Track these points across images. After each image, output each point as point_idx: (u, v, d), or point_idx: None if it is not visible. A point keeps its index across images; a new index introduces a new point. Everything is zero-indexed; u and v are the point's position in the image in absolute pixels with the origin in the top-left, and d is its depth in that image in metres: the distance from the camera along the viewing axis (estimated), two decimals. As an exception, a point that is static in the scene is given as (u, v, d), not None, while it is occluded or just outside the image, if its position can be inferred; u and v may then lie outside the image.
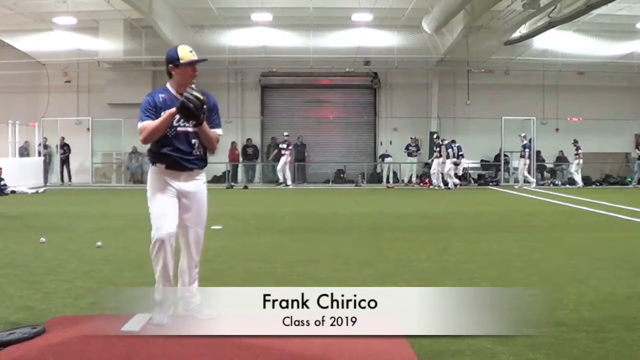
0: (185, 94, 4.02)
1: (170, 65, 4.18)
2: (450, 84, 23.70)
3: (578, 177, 21.50)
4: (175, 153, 4.18)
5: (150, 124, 4.11)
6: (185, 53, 4.16)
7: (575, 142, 21.42)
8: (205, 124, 4.13)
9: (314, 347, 3.73)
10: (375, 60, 23.05)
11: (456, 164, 20.72)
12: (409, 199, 16.30)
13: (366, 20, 21.49)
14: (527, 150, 20.57)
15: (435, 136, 21.60)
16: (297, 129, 23.60)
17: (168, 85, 4.24)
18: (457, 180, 20.48)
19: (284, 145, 21.08)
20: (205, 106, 4.04)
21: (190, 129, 4.17)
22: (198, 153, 4.26)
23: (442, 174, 20.53)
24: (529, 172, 21.16)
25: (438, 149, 20.72)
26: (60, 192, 19.14)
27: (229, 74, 23.49)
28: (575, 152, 21.51)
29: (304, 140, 23.25)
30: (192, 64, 4.16)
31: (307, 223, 10.79)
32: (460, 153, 21.05)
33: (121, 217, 11.15)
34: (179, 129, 4.16)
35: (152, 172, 4.34)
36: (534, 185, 20.68)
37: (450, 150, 20.44)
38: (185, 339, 3.82)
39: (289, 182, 21.16)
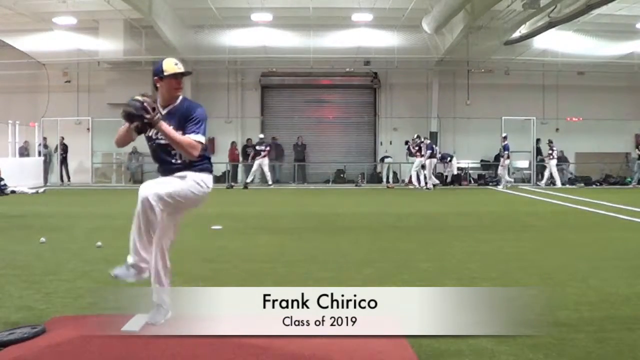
0: (127, 101, 4.01)
1: (155, 77, 4.15)
2: (450, 84, 23.71)
3: (546, 176, 21.62)
4: (160, 164, 4.27)
5: (119, 130, 4.25)
6: (170, 65, 4.10)
7: (550, 142, 21.54)
8: (164, 125, 4.01)
9: (314, 347, 3.73)
10: (375, 60, 23.05)
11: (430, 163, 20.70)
12: (409, 199, 16.30)
13: (366, 20, 21.50)
14: (506, 151, 20.55)
15: (416, 136, 21.54)
16: (297, 129, 23.63)
17: (158, 99, 4.22)
18: (433, 183, 20.44)
19: (262, 147, 21.03)
20: (146, 105, 3.94)
21: (163, 141, 4.14)
22: (182, 160, 4.20)
23: (424, 172, 20.57)
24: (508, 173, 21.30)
25: (417, 147, 20.75)
26: (60, 192, 19.14)
27: (229, 74, 23.49)
28: (550, 152, 21.56)
29: (304, 141, 23.27)
30: (175, 76, 4.12)
31: (307, 223, 10.79)
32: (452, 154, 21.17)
33: (121, 217, 11.11)
34: (157, 142, 4.19)
35: None
36: (501, 187, 20.68)
37: (429, 151, 20.41)
38: (185, 339, 3.82)
39: (270, 182, 21.20)
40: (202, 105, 4.33)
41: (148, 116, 3.96)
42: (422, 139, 20.91)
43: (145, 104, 3.94)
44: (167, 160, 4.19)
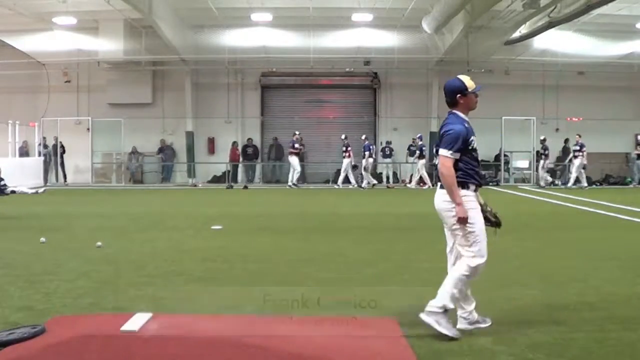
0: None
1: (459, 95, 4.26)
2: (450, 84, 23.66)
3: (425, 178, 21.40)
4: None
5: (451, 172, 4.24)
6: (470, 82, 4.30)
7: (413, 140, 21.77)
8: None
9: (313, 347, 3.72)
10: (375, 60, 23.04)
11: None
12: (409, 199, 16.30)
13: (366, 20, 21.49)
14: (366, 152, 20.78)
15: (343, 136, 21.57)
16: (297, 129, 23.59)
17: (459, 113, 4.30)
18: (368, 182, 20.64)
19: (299, 145, 21.29)
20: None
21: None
22: None
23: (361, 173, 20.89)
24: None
25: (344, 148, 21.04)
26: (60, 192, 19.13)
27: (229, 74, 23.47)
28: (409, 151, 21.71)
29: (303, 141, 23.30)
30: (475, 92, 4.31)
31: (307, 223, 10.78)
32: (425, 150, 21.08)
33: (121, 217, 11.14)
34: (476, 153, 4.31)
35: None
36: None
37: (367, 152, 20.70)
38: (184, 338, 3.81)
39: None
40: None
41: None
42: (345, 140, 21.09)
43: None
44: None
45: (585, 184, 20.28)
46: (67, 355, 3.57)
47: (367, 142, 21.04)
